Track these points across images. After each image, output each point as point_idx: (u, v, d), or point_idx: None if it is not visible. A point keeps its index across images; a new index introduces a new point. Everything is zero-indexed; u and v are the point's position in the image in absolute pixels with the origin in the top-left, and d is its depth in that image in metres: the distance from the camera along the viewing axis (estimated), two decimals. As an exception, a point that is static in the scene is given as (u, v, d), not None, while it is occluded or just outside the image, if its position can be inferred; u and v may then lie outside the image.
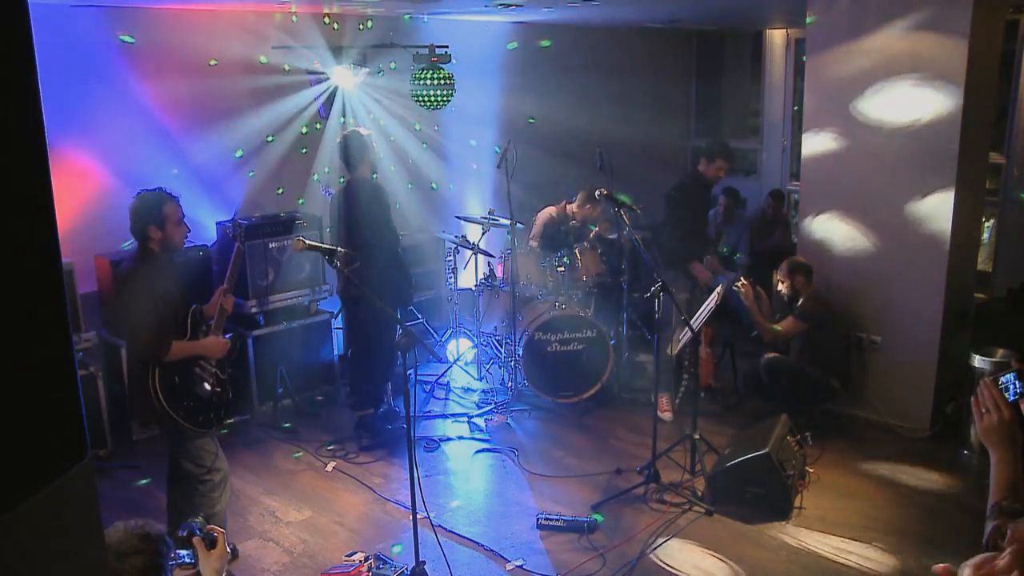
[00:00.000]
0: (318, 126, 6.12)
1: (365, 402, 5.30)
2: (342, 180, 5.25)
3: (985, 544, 1.86)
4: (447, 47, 5.58)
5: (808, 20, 5.40)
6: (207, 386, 3.65)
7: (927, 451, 5.04)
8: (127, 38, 5.18)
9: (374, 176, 5.40)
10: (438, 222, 7.05)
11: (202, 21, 5.46)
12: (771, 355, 5.17)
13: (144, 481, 4.70)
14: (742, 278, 5.22)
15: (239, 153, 5.75)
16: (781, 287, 5.19)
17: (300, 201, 6.06)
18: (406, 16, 6.47)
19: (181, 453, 3.69)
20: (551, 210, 6.33)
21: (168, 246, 3.58)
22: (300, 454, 5.09)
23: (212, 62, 5.54)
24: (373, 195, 5.04)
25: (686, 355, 5.39)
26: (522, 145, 5.67)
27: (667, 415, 5.41)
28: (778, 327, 5.12)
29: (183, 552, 2.14)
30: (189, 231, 3.70)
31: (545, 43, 7.59)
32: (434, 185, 7.05)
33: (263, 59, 5.72)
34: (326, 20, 6.03)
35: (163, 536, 1.99)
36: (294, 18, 5.87)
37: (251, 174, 5.85)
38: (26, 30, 1.34)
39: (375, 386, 5.29)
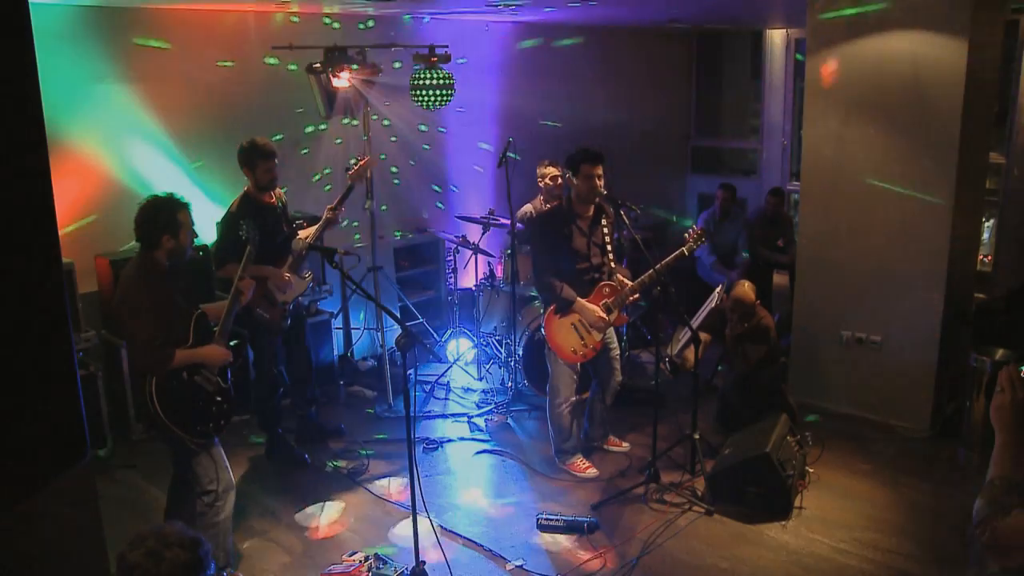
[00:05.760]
0: (323, 127, 6.12)
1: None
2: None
3: (975, 522, 1.85)
4: (447, 47, 5.57)
5: (824, 15, 5.32)
6: (206, 396, 3.53)
7: (927, 451, 5.04)
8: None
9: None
10: (439, 222, 7.06)
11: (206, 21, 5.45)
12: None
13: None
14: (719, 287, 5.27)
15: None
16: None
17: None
18: (406, 16, 6.46)
19: (180, 463, 3.67)
20: (528, 207, 6.25)
21: (177, 254, 3.48)
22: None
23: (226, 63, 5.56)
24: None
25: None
26: (524, 145, 5.64)
27: (622, 447, 5.17)
28: None
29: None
30: (196, 236, 3.64)
31: (527, 44, 7.59)
32: (436, 187, 7.06)
33: (270, 60, 5.72)
34: (326, 21, 6.02)
35: (209, 554, 1.99)
36: (294, 19, 5.86)
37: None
38: (27, 31, 1.34)
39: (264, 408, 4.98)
